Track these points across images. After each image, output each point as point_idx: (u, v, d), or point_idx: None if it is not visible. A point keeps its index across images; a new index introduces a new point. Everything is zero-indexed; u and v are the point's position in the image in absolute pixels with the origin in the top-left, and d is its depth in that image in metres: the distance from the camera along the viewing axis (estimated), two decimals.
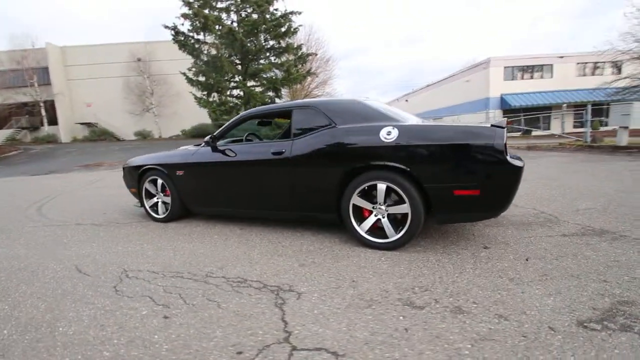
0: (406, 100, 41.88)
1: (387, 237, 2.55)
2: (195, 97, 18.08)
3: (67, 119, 29.33)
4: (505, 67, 25.51)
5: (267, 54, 19.27)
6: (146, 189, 3.84)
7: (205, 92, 18.65)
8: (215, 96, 18.58)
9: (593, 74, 25.20)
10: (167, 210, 3.77)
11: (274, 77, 18.31)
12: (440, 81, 33.14)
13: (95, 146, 24.27)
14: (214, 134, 3.34)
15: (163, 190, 3.76)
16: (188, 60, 19.44)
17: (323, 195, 2.76)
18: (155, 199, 3.85)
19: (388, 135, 2.46)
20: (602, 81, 21.08)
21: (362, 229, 2.63)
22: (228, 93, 19.30)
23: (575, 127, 20.99)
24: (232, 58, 18.74)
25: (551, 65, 25.44)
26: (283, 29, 18.88)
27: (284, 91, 21.19)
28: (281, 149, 2.89)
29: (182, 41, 17.81)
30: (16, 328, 1.74)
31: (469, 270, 2.17)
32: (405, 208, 2.45)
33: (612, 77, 21.13)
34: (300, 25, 19.04)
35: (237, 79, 19.26)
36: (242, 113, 3.35)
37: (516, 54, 26.16)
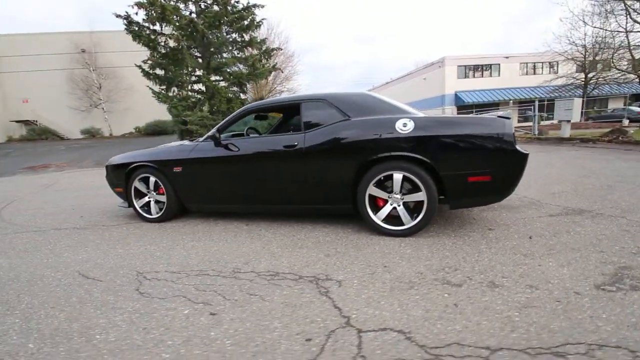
0: None
1: (402, 225, 2.67)
2: (154, 92, 16.95)
3: None
4: (458, 66, 27.20)
5: (230, 48, 18.65)
6: (135, 188, 3.60)
7: (163, 87, 17.60)
8: (175, 91, 17.60)
9: (534, 73, 27.80)
10: (160, 209, 3.57)
11: (238, 72, 17.77)
12: (399, 78, 34.44)
13: (36, 146, 21.82)
14: (217, 127, 3.22)
15: (156, 188, 3.55)
16: (142, 52, 18.17)
17: (338, 186, 2.80)
18: (146, 199, 3.62)
19: (404, 127, 2.57)
20: (542, 80, 23.41)
21: (378, 218, 2.72)
22: (189, 87, 18.41)
23: (519, 121, 23.06)
24: (193, 51, 17.88)
25: (498, 64, 27.61)
26: (246, 22, 18.36)
27: (248, 87, 20.65)
28: (293, 142, 2.87)
29: (136, 32, 16.53)
30: (42, 341, 1.58)
31: (485, 250, 2.36)
32: (421, 196, 2.58)
33: (551, 76, 23.46)
34: (263, 19, 18.66)
35: (198, 72, 18.42)
36: (246, 106, 3.26)
37: (468, 53, 27.98)
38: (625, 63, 16.81)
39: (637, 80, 13.77)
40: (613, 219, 2.85)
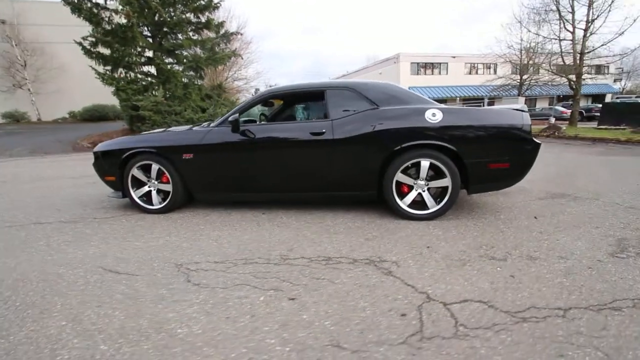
0: None
1: (427, 209, 2.85)
2: (98, 73, 15.17)
3: None
4: (411, 63, 28.60)
5: (185, 29, 17.40)
6: (133, 177, 3.29)
7: (108, 67, 15.90)
8: (122, 72, 16.00)
9: (477, 72, 30.32)
10: (163, 199, 3.32)
11: (197, 56, 16.69)
12: (356, 71, 35.16)
13: None
14: (236, 111, 3.06)
15: (159, 177, 3.28)
16: (80, 28, 16.16)
17: (365, 174, 2.88)
18: (146, 188, 3.33)
19: (433, 116, 2.72)
20: (485, 79, 25.66)
21: (404, 203, 2.86)
22: (138, 69, 16.88)
23: None
24: (142, 29, 16.35)
25: (447, 63, 29.60)
26: (203, 2, 17.27)
27: (205, 72, 19.51)
28: (321, 129, 2.87)
29: (75, 4, 14.62)
30: (114, 341, 1.44)
31: (505, 229, 2.63)
32: (446, 182, 2.77)
33: (491, 76, 25.77)
34: (222, 1, 17.69)
35: (148, 54, 16.95)
36: (267, 90, 3.15)
37: (420, 51, 29.52)
38: (553, 68, 19.13)
39: (567, 83, 15.77)
40: (590, 201, 3.34)
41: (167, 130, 3.62)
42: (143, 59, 16.48)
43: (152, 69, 17.18)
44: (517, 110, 2.74)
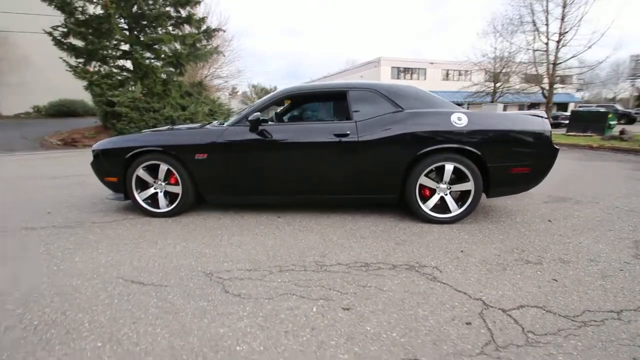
0: None
1: (449, 212, 2.85)
2: (70, 66, 14.25)
3: None
4: (392, 67, 29.16)
5: (165, 23, 16.73)
6: (138, 177, 3.07)
7: (81, 60, 14.99)
8: (96, 66, 15.13)
9: (454, 79, 31.42)
10: (170, 202, 3.11)
11: (178, 51, 16.06)
12: (337, 73, 35.36)
13: None
14: (254, 109, 2.92)
15: (166, 177, 3.08)
16: (49, 18, 15.12)
17: (389, 176, 2.84)
18: (152, 190, 3.11)
19: (459, 120, 2.73)
20: (460, 85, 26.63)
21: (426, 207, 2.85)
22: (113, 63, 16.06)
23: None
24: (118, 21, 15.55)
25: (425, 69, 30.46)
26: None
27: (185, 68, 18.83)
28: (345, 130, 2.80)
29: None
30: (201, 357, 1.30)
31: (527, 233, 2.68)
32: (469, 185, 2.79)
33: (467, 82, 26.79)
34: None
35: (124, 47, 16.16)
36: (286, 89, 3.03)
37: (400, 56, 30.17)
38: (525, 76, 20.12)
39: (538, 91, 16.68)
40: (592, 205, 3.49)
41: (173, 128, 3.41)
42: (119, 53, 15.70)
43: (129, 64, 16.40)
44: (537, 116, 2.81)
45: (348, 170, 2.85)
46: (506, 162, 2.75)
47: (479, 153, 2.72)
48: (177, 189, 3.06)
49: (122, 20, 15.56)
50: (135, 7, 14.85)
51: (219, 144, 2.91)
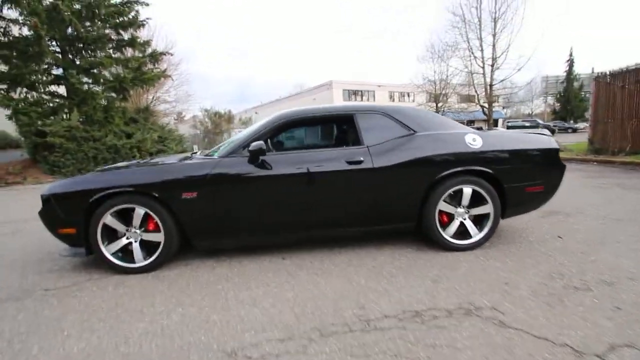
0: (256, 113, 42.79)
1: (469, 238, 2.69)
2: None
3: None
4: (343, 90, 30.23)
5: (105, 46, 15.48)
6: (105, 226, 2.46)
7: (3, 87, 13.12)
8: (22, 92, 13.33)
9: (399, 100, 33.47)
10: (149, 253, 2.54)
11: (121, 75, 14.82)
12: (289, 97, 35.68)
13: None
14: (253, 138, 2.53)
15: (143, 223, 2.51)
16: None
17: (407, 204, 2.62)
18: (124, 240, 2.52)
19: (474, 142, 2.62)
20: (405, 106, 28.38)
21: (447, 234, 2.66)
22: (44, 89, 14.35)
23: None
24: (49, 43, 14.04)
25: (374, 91, 32.07)
26: (126, 19, 15.73)
27: (130, 93, 17.45)
28: (357, 157, 2.53)
29: None
30: None
31: (550, 253, 2.60)
32: (487, 208, 2.67)
33: (411, 103, 28.70)
34: (148, 19, 16.35)
35: (56, 72, 14.58)
36: (284, 114, 2.68)
37: (351, 79, 31.48)
38: (464, 97, 22.03)
39: (475, 110, 18.33)
40: (582, 216, 3.61)
41: (147, 162, 2.86)
42: (50, 78, 14.05)
43: (62, 89, 14.75)
44: (542, 134, 2.83)
45: (364, 201, 2.57)
46: (521, 182, 2.69)
47: (496, 174, 2.62)
48: (158, 237, 2.51)
49: (54, 43, 14.09)
50: (70, 28, 13.54)
51: (212, 179, 2.45)
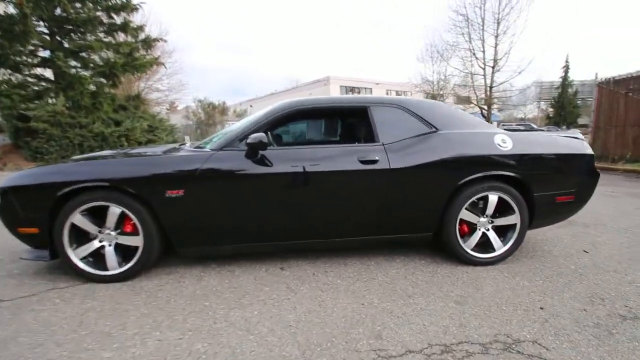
0: (250, 106, 42.19)
1: (492, 251, 2.40)
2: None
3: None
4: (340, 86, 29.83)
5: (95, 29, 14.81)
6: (73, 226, 2.09)
7: None
8: (6, 74, 12.65)
9: None
10: (125, 259, 2.18)
11: (111, 61, 14.18)
12: (285, 91, 35.15)
13: None
14: (255, 129, 2.18)
15: (119, 224, 2.15)
16: None
17: (426, 211, 2.30)
18: (96, 243, 2.15)
19: (503, 143, 2.31)
20: None
21: (468, 246, 2.36)
22: (29, 71, 13.70)
23: None
24: (37, 24, 13.36)
25: (371, 88, 31.73)
26: (119, 1, 15.09)
27: (120, 80, 16.77)
28: (372, 156, 2.20)
29: None
30: None
31: (581, 271, 2.32)
32: (513, 219, 2.37)
33: None
34: (142, 3, 15.70)
35: (43, 53, 13.93)
36: (289, 103, 2.32)
37: (348, 75, 31.09)
38: (464, 98, 21.89)
39: (479, 111, 18.12)
40: (602, 227, 3.35)
41: (128, 152, 2.48)
42: (37, 60, 13.38)
43: (49, 72, 14.08)
44: (574, 137, 2.54)
45: (378, 206, 2.25)
46: (552, 191, 2.40)
47: (526, 181, 2.33)
48: (136, 241, 2.14)
49: (42, 23, 13.38)
50: (59, 9, 12.87)
51: (202, 175, 2.09)
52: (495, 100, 19.62)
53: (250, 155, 2.13)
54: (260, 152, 2.14)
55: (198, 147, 2.37)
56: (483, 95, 17.58)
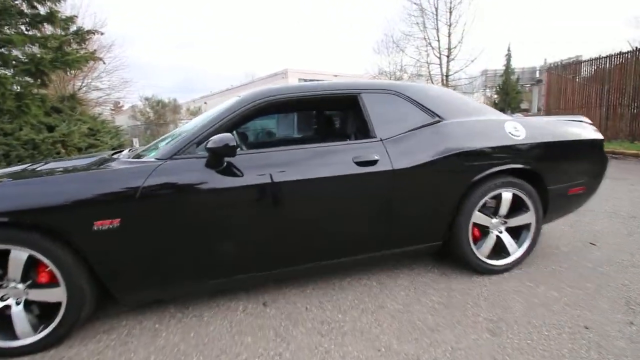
0: (205, 103, 40.12)
1: (506, 257, 2.09)
2: None
3: None
4: (299, 79, 29.16)
5: (14, 21, 12.83)
6: None
7: None
8: None
9: None
10: (40, 321, 1.55)
11: (37, 56, 12.33)
12: (241, 86, 33.70)
13: None
14: (216, 127, 1.63)
15: (28, 274, 1.51)
16: None
17: (436, 217, 1.92)
18: None
19: (516, 131, 1.99)
20: None
21: (481, 254, 2.03)
22: None
23: None
24: None
25: (330, 80, 31.45)
26: None
27: (50, 78, 14.76)
28: (370, 155, 1.76)
29: None
30: None
31: (602, 269, 2.10)
32: (528, 217, 2.08)
33: None
34: None
35: None
36: (257, 93, 1.78)
37: (306, 68, 30.48)
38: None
39: None
40: (592, 214, 3.23)
41: (35, 170, 1.81)
42: None
43: None
44: (584, 122, 2.30)
45: (380, 216, 1.82)
46: (565, 182, 2.14)
47: (541, 174, 2.03)
48: (57, 294, 1.52)
49: None
50: None
51: (145, 195, 1.51)
52: (454, 88, 20.24)
53: (212, 163, 1.59)
54: (227, 159, 1.61)
55: (138, 156, 1.77)
56: (440, 85, 17.98)
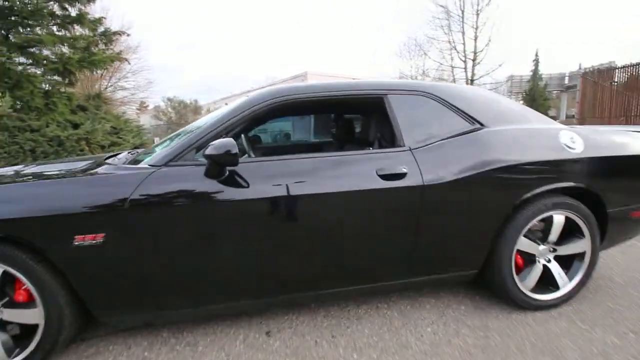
0: (226, 104, 40.84)
1: (554, 290, 1.76)
2: None
3: None
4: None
5: (46, 22, 13.31)
6: None
7: None
8: None
9: None
10: (17, 343, 1.37)
11: (65, 56, 12.73)
12: (262, 87, 34.07)
13: None
14: (217, 131, 1.42)
15: (2, 292, 1.34)
16: None
17: (474, 242, 1.64)
18: None
19: (573, 143, 1.67)
20: None
21: (526, 287, 1.71)
22: None
23: None
24: None
25: None
26: None
27: (77, 77, 15.25)
28: (397, 167, 1.50)
29: None
30: None
31: None
32: (583, 245, 1.75)
33: None
34: None
35: None
36: (267, 93, 1.56)
37: (326, 71, 30.40)
38: None
39: None
40: None
41: (19, 172, 1.65)
42: None
43: None
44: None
45: (407, 238, 1.55)
46: (627, 205, 1.79)
47: (600, 194, 1.70)
48: (33, 315, 1.34)
49: None
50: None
51: (134, 207, 1.31)
52: None
53: (212, 173, 1.37)
54: (228, 168, 1.39)
55: (132, 161, 1.57)
56: None
